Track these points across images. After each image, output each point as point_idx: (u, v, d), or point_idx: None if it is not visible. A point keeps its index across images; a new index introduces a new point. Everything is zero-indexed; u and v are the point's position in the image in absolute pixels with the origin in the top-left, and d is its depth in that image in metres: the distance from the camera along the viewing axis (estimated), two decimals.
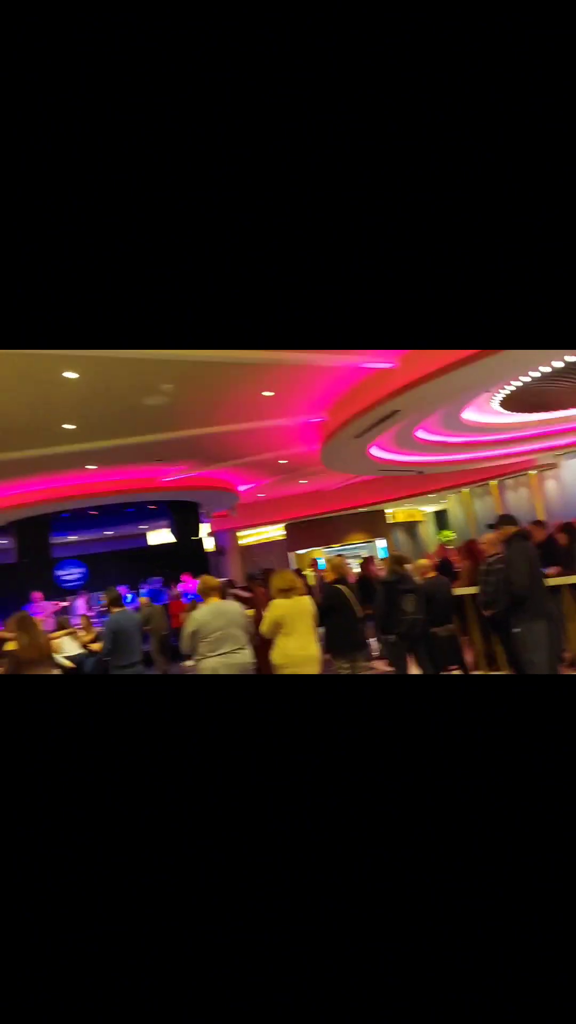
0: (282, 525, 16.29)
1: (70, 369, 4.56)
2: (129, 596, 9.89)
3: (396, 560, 4.91)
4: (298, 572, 10.31)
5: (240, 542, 16.22)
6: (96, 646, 5.47)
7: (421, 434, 8.06)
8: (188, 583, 9.98)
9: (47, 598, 9.43)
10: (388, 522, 17.09)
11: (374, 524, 16.36)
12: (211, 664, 3.80)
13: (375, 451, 8.43)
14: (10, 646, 4.61)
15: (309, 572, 9.77)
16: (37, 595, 9.02)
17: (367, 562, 8.24)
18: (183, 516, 11.31)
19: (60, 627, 6.94)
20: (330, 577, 4.38)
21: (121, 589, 8.30)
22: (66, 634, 6.84)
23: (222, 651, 3.80)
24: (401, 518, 18.09)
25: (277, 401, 6.46)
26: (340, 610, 4.20)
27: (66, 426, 6.02)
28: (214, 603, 3.97)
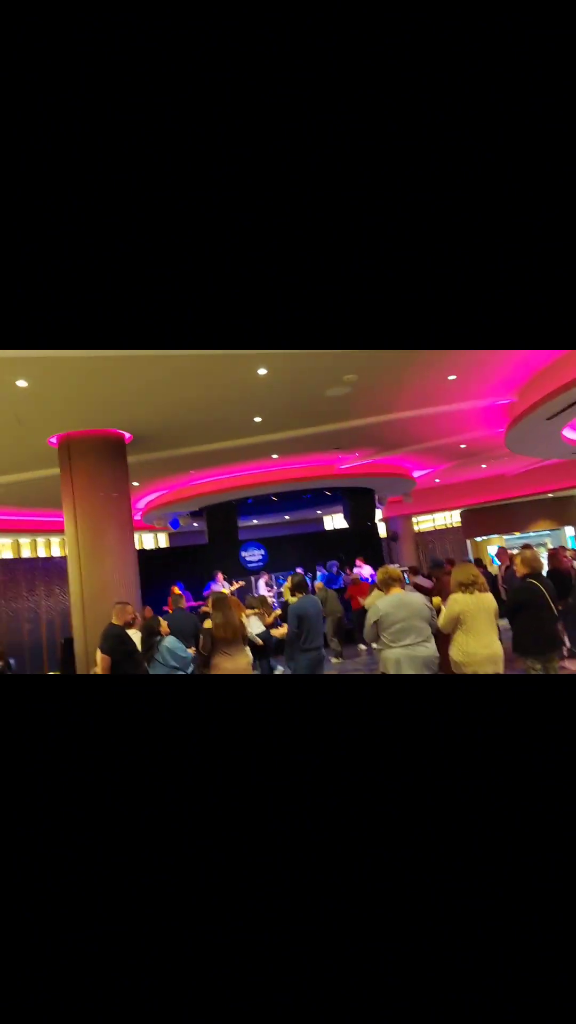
0: (458, 511, 15.65)
1: (262, 365, 4.81)
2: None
3: None
4: (478, 562, 9.83)
5: (414, 528, 15.93)
6: (280, 631, 5.76)
7: None
8: (362, 568, 10.08)
9: (230, 578, 10.18)
10: None
11: (563, 511, 14.97)
12: (394, 655, 3.80)
13: (568, 433, 7.69)
14: (207, 624, 5.05)
15: (492, 567, 9.19)
16: (218, 575, 9.76)
17: (556, 553, 7.58)
18: (358, 502, 11.40)
19: (248, 607, 7.46)
20: (522, 571, 4.10)
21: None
22: (253, 614, 7.34)
23: (405, 643, 3.78)
24: None
25: (461, 384, 6.19)
26: (533, 606, 3.93)
27: (255, 419, 6.39)
28: (397, 594, 3.95)
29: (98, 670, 4.56)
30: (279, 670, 7.67)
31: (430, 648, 3.82)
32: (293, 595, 5.40)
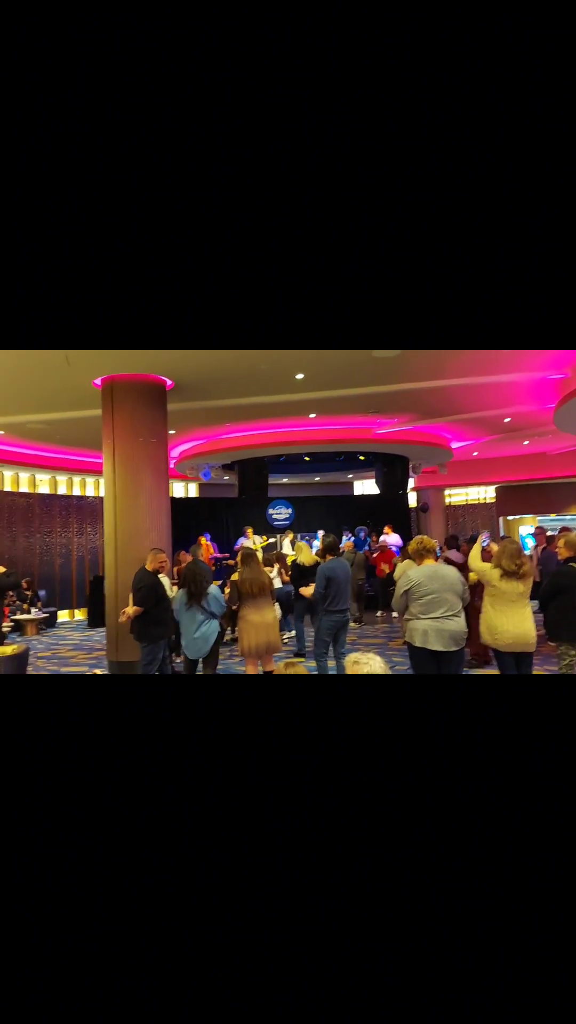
0: (493, 487, 15.37)
1: None
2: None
3: None
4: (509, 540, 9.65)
5: (446, 501, 15.73)
6: (308, 590, 5.78)
7: None
8: (389, 535, 10.02)
9: (257, 533, 10.22)
10: None
11: None
12: (422, 626, 3.79)
13: None
14: (234, 577, 5.11)
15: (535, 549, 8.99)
16: (247, 530, 9.83)
17: None
18: (391, 468, 11.26)
19: (266, 563, 7.53)
20: (564, 554, 4.01)
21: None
22: (268, 570, 7.42)
23: (434, 615, 3.77)
24: None
25: (514, 354, 5.97)
26: (571, 591, 3.86)
27: (298, 376, 6.28)
28: (430, 565, 3.91)
29: (129, 612, 4.71)
30: (290, 633, 7.77)
31: (459, 622, 3.80)
32: (324, 557, 5.40)
